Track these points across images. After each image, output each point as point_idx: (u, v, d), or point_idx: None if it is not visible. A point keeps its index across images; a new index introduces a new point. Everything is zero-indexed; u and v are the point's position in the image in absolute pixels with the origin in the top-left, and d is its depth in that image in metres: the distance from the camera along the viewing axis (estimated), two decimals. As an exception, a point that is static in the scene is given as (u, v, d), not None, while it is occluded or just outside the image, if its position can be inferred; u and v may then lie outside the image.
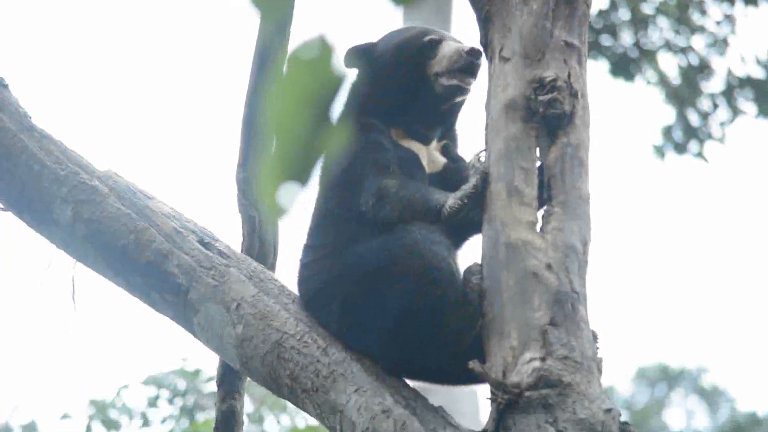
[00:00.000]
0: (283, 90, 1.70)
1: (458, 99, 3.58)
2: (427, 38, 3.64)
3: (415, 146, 3.62)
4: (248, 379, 3.76)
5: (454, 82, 3.54)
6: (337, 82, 1.71)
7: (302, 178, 1.72)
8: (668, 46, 12.13)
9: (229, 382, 3.93)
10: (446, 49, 3.59)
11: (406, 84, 3.58)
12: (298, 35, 3.82)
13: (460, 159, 3.71)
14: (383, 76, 3.61)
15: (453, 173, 3.59)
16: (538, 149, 3.21)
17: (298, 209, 1.75)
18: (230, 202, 3.94)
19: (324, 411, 3.28)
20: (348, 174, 3.47)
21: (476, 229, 3.26)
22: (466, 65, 3.53)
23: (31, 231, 3.75)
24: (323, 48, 1.70)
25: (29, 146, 3.69)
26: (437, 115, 3.62)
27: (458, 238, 3.46)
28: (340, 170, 3.49)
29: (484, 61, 3.47)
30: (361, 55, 3.64)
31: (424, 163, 3.61)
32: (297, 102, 1.70)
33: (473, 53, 3.52)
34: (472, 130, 3.74)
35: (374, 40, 3.70)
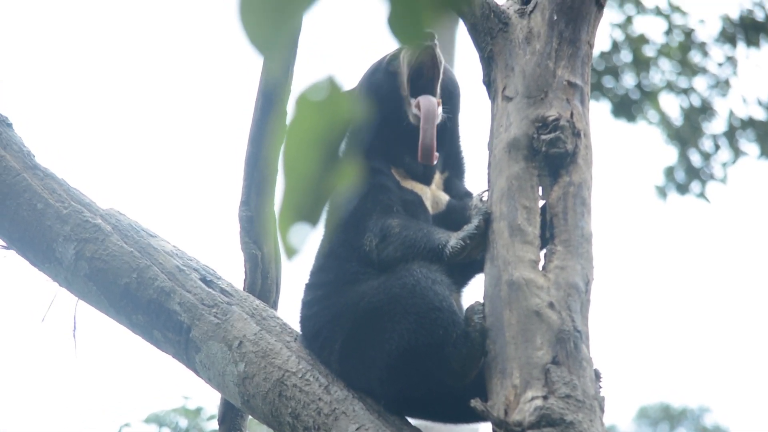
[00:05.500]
0: (292, 132, 1.70)
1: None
2: (386, 59, 3.69)
3: (418, 187, 3.63)
4: (249, 417, 3.74)
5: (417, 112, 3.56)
6: (346, 122, 1.71)
7: (313, 219, 1.72)
8: (670, 87, 12.16)
9: (230, 420, 3.91)
10: (403, 55, 3.65)
11: (386, 116, 3.60)
12: (302, 74, 3.84)
13: (465, 194, 3.71)
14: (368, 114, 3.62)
15: (457, 212, 3.59)
16: (540, 188, 3.21)
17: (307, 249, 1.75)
18: (233, 240, 3.94)
19: (326, 450, 3.27)
20: (352, 215, 3.48)
21: (479, 268, 3.26)
22: (423, 60, 3.59)
23: (34, 269, 3.75)
24: (332, 89, 1.70)
25: (32, 185, 3.70)
26: None
27: (461, 277, 3.46)
28: (345, 212, 3.50)
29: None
30: None
31: (428, 204, 3.61)
32: (307, 144, 1.70)
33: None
34: (475, 169, 3.75)
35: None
